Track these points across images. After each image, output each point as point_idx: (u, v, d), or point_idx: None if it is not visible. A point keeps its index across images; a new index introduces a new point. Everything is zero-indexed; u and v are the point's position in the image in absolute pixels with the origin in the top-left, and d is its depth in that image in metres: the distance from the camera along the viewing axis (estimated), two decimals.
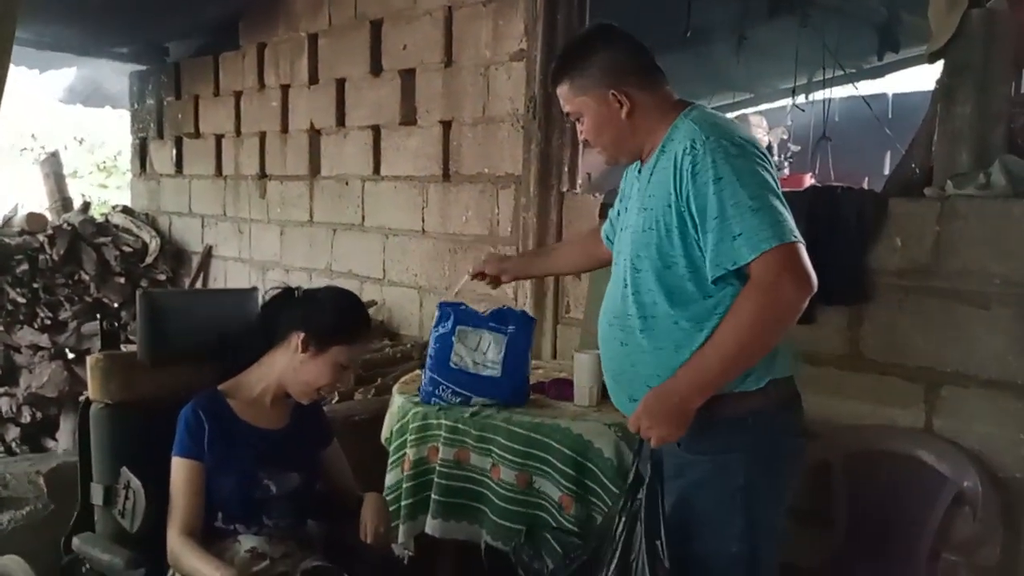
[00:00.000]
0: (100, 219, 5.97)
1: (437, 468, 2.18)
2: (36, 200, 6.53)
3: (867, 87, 6.48)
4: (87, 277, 5.43)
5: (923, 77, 6.36)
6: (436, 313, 2.31)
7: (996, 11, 2.40)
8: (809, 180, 5.80)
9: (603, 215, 3.10)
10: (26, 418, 4.94)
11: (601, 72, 1.69)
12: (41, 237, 5.38)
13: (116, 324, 5.26)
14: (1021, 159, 2.35)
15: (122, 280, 5.54)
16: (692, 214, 1.56)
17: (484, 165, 3.68)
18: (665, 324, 1.63)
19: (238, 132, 5.22)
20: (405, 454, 2.25)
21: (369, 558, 1.88)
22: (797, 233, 1.51)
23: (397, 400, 2.38)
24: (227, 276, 5.46)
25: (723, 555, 1.62)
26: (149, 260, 5.74)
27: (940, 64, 2.51)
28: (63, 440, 4.76)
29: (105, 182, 12.34)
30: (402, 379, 2.65)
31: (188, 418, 1.81)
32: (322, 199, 4.64)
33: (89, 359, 1.93)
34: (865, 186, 3.84)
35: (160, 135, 5.98)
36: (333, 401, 2.96)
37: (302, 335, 1.85)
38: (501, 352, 2.24)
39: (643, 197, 1.69)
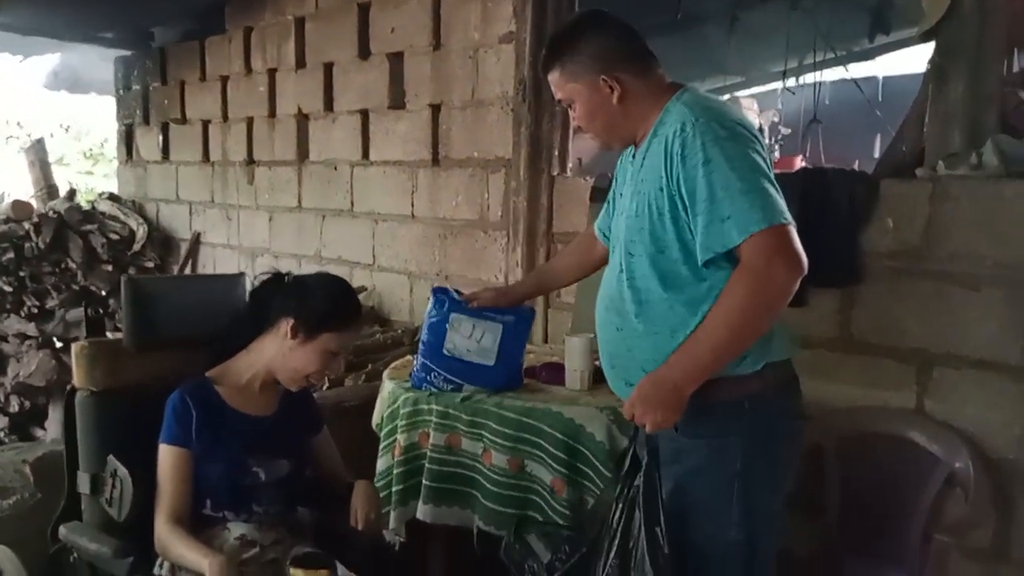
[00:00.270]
0: (86, 206, 5.91)
1: (428, 453, 2.17)
2: (22, 188, 6.48)
3: (857, 70, 6.47)
4: (74, 265, 5.39)
5: (913, 60, 6.36)
6: (430, 299, 2.28)
7: None
8: (800, 163, 5.80)
9: (594, 199, 3.11)
10: (14, 407, 4.92)
11: (591, 58, 1.68)
12: (27, 225, 5.33)
13: (102, 312, 5.22)
14: (1013, 139, 2.35)
15: (109, 268, 5.50)
16: (683, 197, 1.55)
17: (474, 149, 3.65)
18: (660, 308, 1.62)
19: (225, 117, 5.17)
20: (396, 440, 2.24)
21: (360, 544, 1.87)
22: (788, 215, 1.50)
23: (388, 386, 2.37)
24: (216, 263, 5.42)
25: (721, 541, 1.61)
26: (136, 247, 5.69)
27: (932, 45, 2.50)
28: (52, 429, 4.74)
29: (91, 169, 12.27)
30: (393, 364, 2.63)
31: (176, 405, 1.79)
32: (311, 184, 4.60)
33: (74, 346, 1.91)
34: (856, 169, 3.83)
35: (146, 121, 5.92)
36: (323, 388, 2.94)
37: (292, 321, 1.83)
38: (496, 341, 2.22)
39: (636, 182, 1.68)
